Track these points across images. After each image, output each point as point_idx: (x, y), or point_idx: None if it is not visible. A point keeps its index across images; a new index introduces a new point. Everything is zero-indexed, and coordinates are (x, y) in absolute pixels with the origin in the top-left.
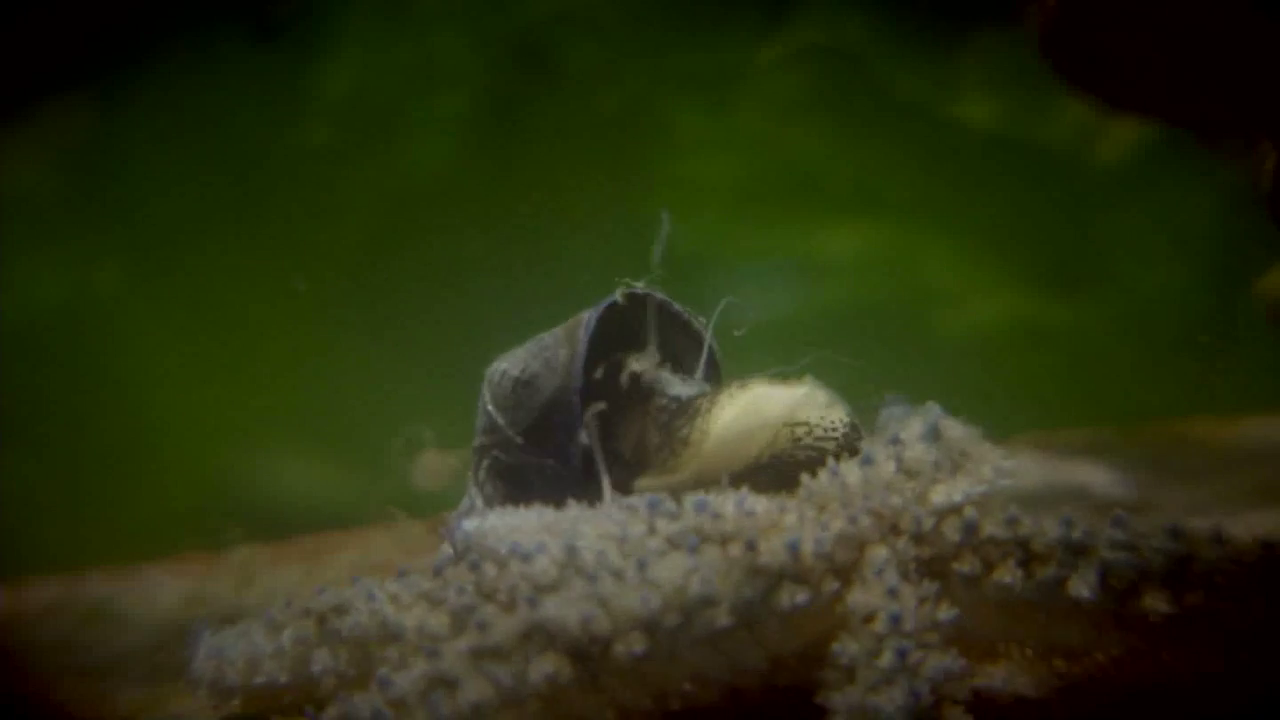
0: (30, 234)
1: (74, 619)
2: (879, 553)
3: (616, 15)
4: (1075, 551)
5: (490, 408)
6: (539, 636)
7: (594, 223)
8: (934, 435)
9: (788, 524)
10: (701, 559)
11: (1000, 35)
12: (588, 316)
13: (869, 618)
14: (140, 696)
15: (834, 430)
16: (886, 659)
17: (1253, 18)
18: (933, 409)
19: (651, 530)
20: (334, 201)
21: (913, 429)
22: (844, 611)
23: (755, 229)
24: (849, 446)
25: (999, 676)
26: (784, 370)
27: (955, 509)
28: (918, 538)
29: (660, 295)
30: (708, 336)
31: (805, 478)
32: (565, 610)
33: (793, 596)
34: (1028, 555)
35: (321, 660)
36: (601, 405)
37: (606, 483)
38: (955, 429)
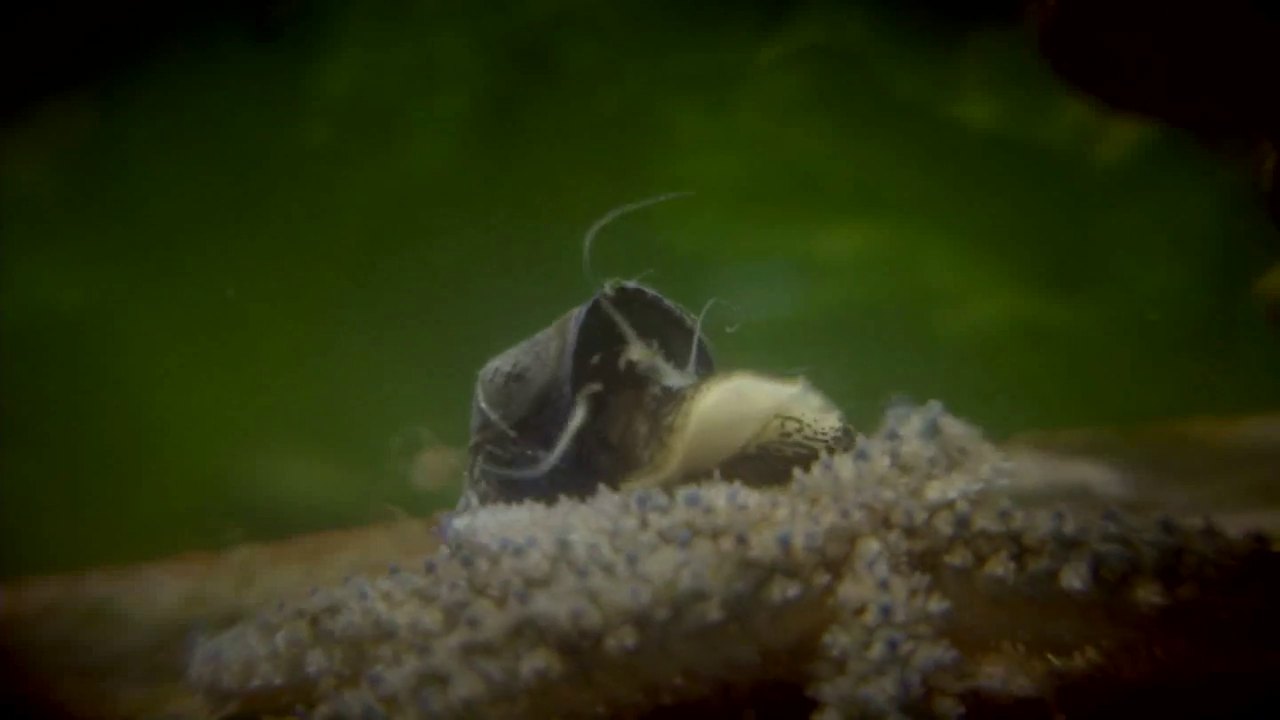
0: (30, 234)
1: (74, 619)
2: (870, 546)
3: (616, 15)
4: (1067, 545)
5: (483, 405)
6: (530, 632)
7: (594, 223)
8: (932, 432)
9: (779, 518)
10: (692, 553)
11: (1000, 35)
12: (578, 310)
13: (860, 610)
14: (140, 696)
15: (824, 435)
16: (877, 650)
17: (1253, 18)
18: (933, 407)
19: (643, 524)
20: (334, 201)
21: (911, 425)
22: (835, 605)
23: (755, 229)
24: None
25: (998, 677)
26: (787, 372)
27: (949, 505)
28: (910, 531)
29: (652, 291)
30: (697, 331)
31: (798, 472)
32: (556, 605)
33: (784, 590)
34: (1020, 548)
35: (316, 661)
36: (597, 386)
37: (572, 426)
38: (955, 427)
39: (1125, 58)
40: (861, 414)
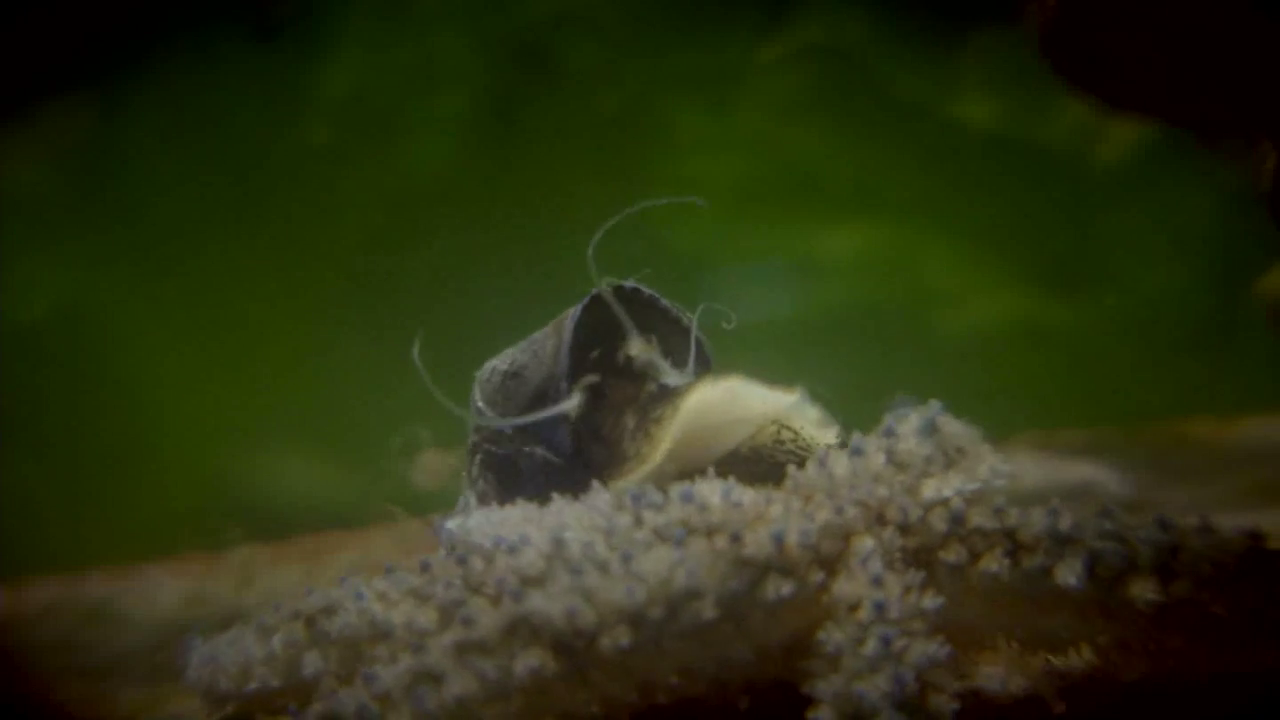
0: (30, 234)
1: (74, 619)
2: (865, 543)
3: (616, 15)
4: (1062, 541)
5: (480, 404)
6: (524, 630)
7: (594, 223)
8: (930, 431)
9: (774, 515)
10: (687, 551)
11: (1000, 35)
12: (575, 308)
13: (854, 606)
14: (140, 696)
15: (819, 448)
16: (871, 646)
17: (1253, 18)
18: (932, 406)
19: (638, 522)
20: (334, 201)
21: (908, 424)
22: (829, 602)
23: (755, 229)
24: None
25: (995, 676)
26: (786, 381)
27: (944, 502)
28: (904, 528)
29: (649, 290)
30: (693, 330)
31: (792, 469)
32: (550, 604)
33: (778, 589)
34: (1015, 545)
35: (312, 663)
36: (595, 378)
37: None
38: (953, 426)
39: (1125, 58)
40: (861, 414)
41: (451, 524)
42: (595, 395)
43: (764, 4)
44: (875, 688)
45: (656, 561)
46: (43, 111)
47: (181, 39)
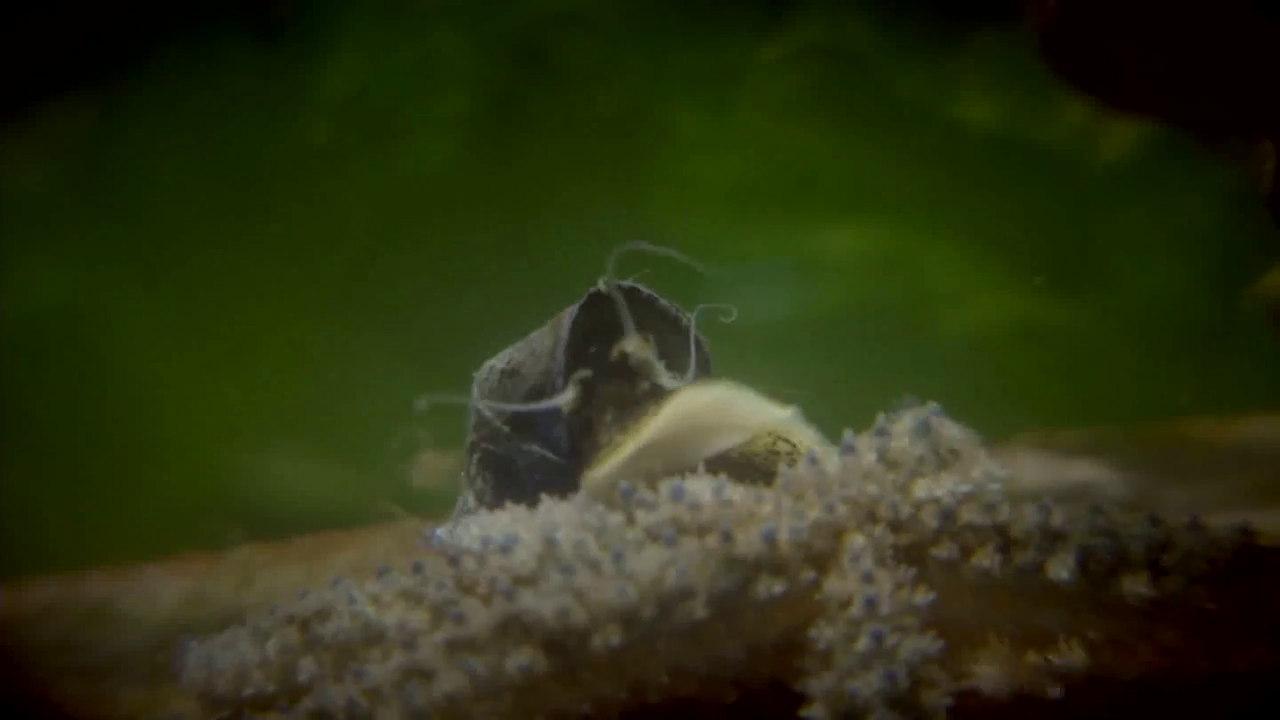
0: (30, 234)
1: (74, 619)
2: (856, 540)
3: (616, 15)
4: (1054, 537)
5: (479, 403)
6: (515, 628)
7: (594, 222)
8: (924, 431)
9: (765, 513)
10: (678, 550)
11: (1000, 35)
12: (572, 308)
13: (845, 603)
14: (140, 696)
15: None
16: (863, 643)
17: (1253, 18)
18: (929, 408)
19: (630, 521)
20: (334, 201)
21: (902, 424)
22: (821, 600)
23: (755, 229)
24: None
25: (991, 676)
26: (784, 391)
27: (935, 501)
28: (895, 525)
29: (647, 290)
30: (693, 332)
31: (783, 467)
32: (542, 602)
33: (769, 587)
34: (1006, 541)
35: (307, 669)
36: (587, 372)
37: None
38: (950, 429)
39: (1125, 58)
40: (861, 414)
41: (442, 531)
42: (588, 390)
43: (764, 4)
44: (868, 685)
45: (648, 561)
46: (43, 111)
47: (181, 39)
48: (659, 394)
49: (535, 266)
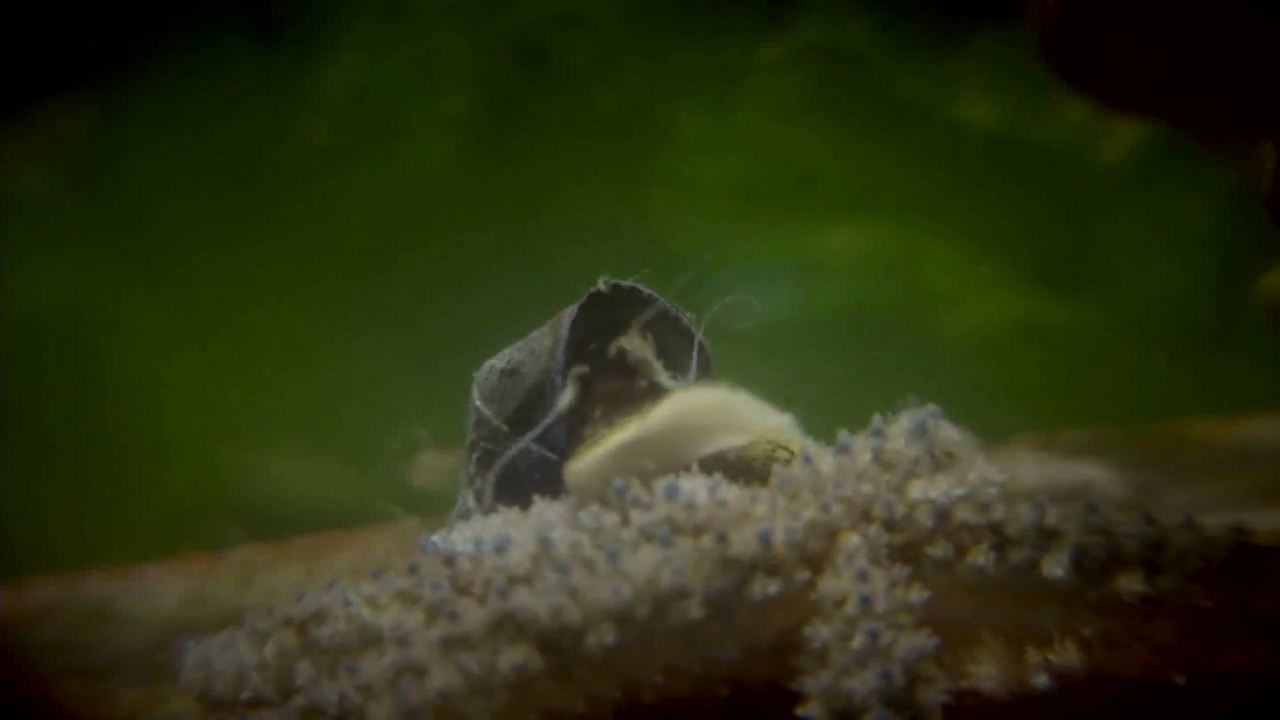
0: (30, 234)
1: (74, 619)
2: (850, 539)
3: (616, 15)
4: (1048, 535)
5: (478, 403)
6: (510, 626)
7: (594, 222)
8: (920, 433)
9: (759, 513)
10: (673, 550)
11: (1000, 35)
12: (572, 308)
13: (840, 602)
14: (140, 696)
15: None
16: (858, 641)
17: (1253, 18)
18: (927, 409)
19: (625, 521)
20: (334, 202)
21: (898, 425)
22: (816, 599)
23: (755, 229)
24: None
25: (989, 676)
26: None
27: (930, 501)
28: (890, 524)
29: (647, 290)
30: (698, 336)
31: (778, 467)
32: (536, 601)
33: (764, 588)
34: (1001, 540)
35: (304, 673)
36: (585, 368)
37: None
38: (948, 431)
39: (1125, 58)
40: (861, 414)
41: (437, 538)
42: (585, 387)
43: (764, 4)
44: (863, 683)
45: (643, 560)
46: (43, 111)
47: (181, 39)
48: (656, 392)
49: (535, 266)
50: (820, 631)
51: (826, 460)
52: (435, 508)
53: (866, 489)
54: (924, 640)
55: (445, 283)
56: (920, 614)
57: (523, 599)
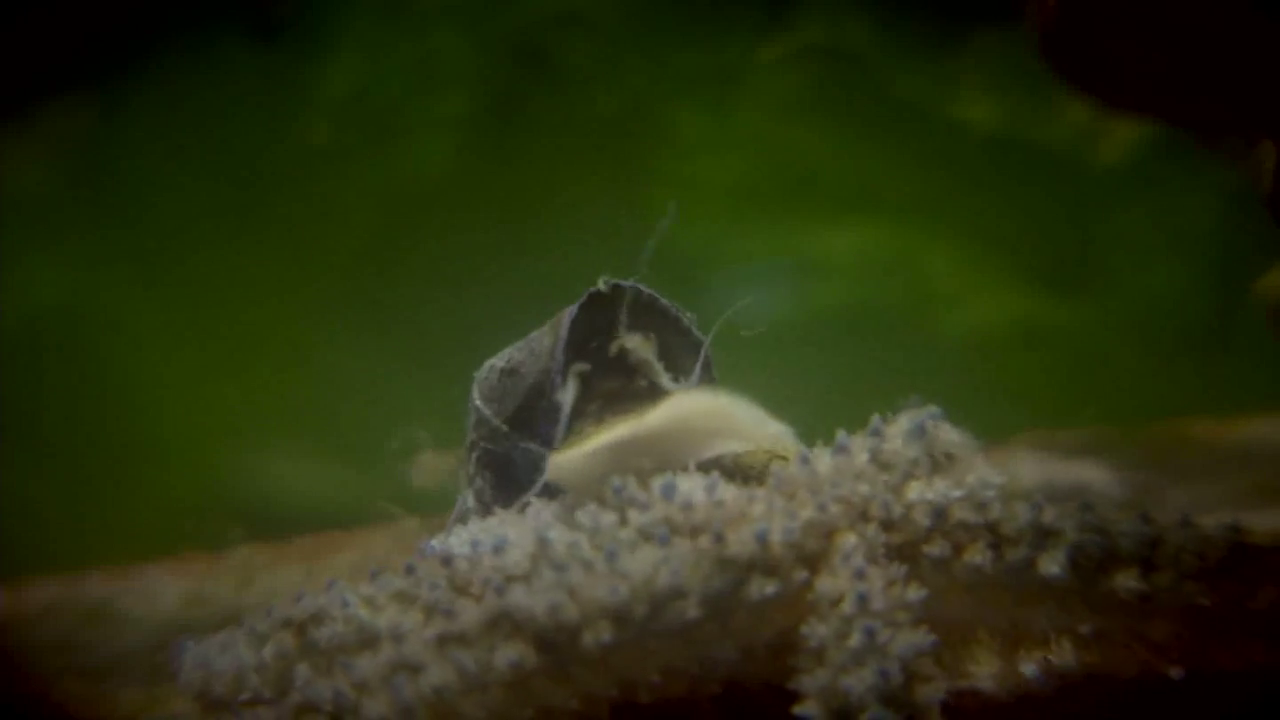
0: (30, 234)
1: (74, 619)
2: (848, 539)
3: (616, 15)
4: (1045, 534)
5: (478, 402)
6: (506, 624)
7: (594, 223)
8: (919, 434)
9: (756, 513)
10: (671, 550)
11: (1000, 35)
12: (572, 307)
13: (837, 601)
14: (140, 696)
15: None
16: (855, 639)
17: (1253, 18)
18: (927, 410)
19: (623, 520)
20: (334, 202)
21: (897, 425)
22: (813, 599)
23: (755, 229)
24: None
25: (987, 676)
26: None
27: (927, 503)
28: (887, 524)
29: (648, 290)
30: (706, 344)
31: (775, 466)
32: (533, 598)
33: (762, 588)
34: (998, 538)
35: (303, 675)
36: (586, 366)
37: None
38: (948, 433)
39: (1125, 58)
40: (860, 414)
41: (436, 542)
42: (585, 385)
43: (764, 4)
44: (861, 681)
45: (640, 560)
46: (43, 111)
47: (181, 39)
48: (656, 393)
49: (535, 266)
50: (817, 630)
51: (824, 460)
52: (435, 508)
53: (864, 489)
54: (921, 638)
55: (445, 283)
56: (917, 612)
57: (519, 596)
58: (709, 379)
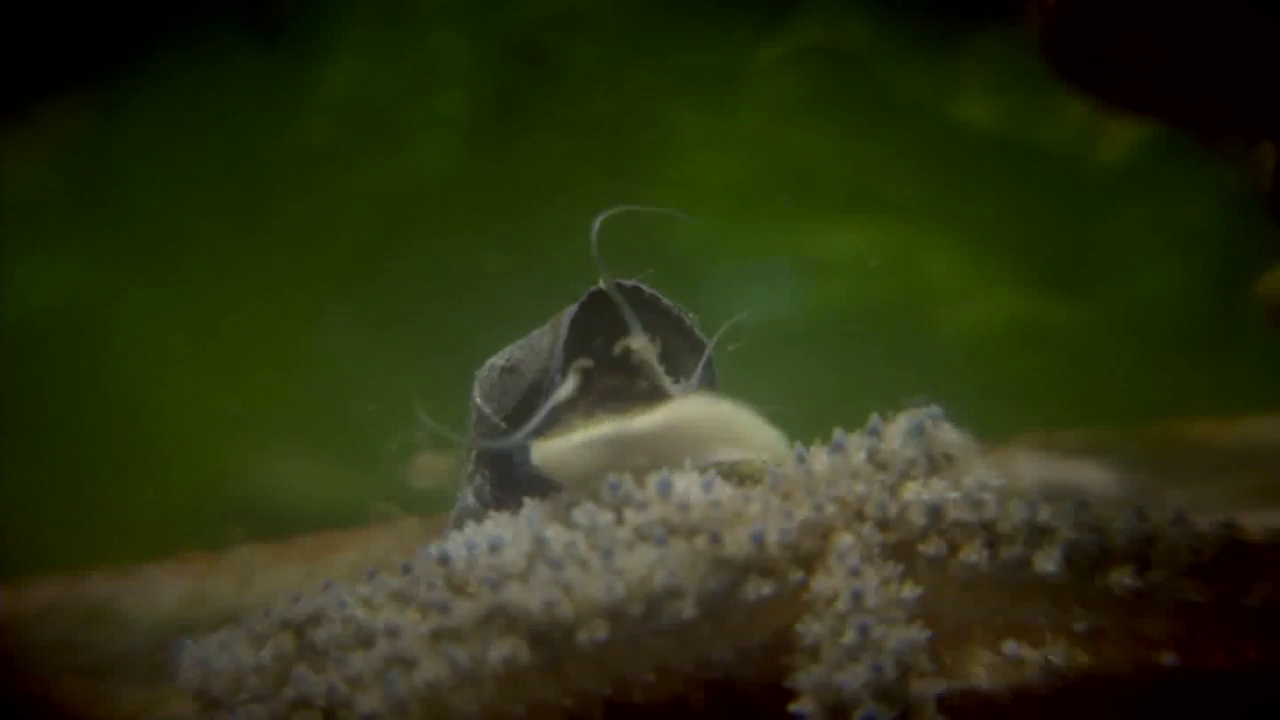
0: (30, 234)
1: (74, 619)
2: (844, 539)
3: (617, 15)
4: (1040, 532)
5: (478, 400)
6: (500, 619)
7: (596, 219)
8: (917, 434)
9: (753, 514)
10: (667, 551)
11: (1000, 35)
12: (573, 306)
13: (832, 599)
14: (140, 696)
15: None
16: (849, 636)
17: (1253, 18)
18: (928, 410)
19: (620, 520)
20: (334, 201)
21: (896, 425)
22: (809, 599)
23: (755, 229)
24: None
25: (984, 675)
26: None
27: (922, 503)
28: (883, 523)
29: (650, 290)
30: (709, 351)
31: (771, 465)
32: (528, 594)
33: (758, 589)
34: (993, 536)
35: (301, 675)
36: (589, 362)
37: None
38: (948, 433)
39: (1125, 58)
40: (860, 415)
41: (433, 549)
42: (586, 382)
43: (764, 4)
44: (855, 677)
45: (637, 559)
46: (43, 111)
47: (181, 39)
48: (657, 395)
49: (535, 266)
50: (812, 628)
51: (820, 459)
52: (434, 508)
53: (859, 488)
54: (916, 633)
55: (445, 283)
56: (913, 609)
57: (514, 592)
58: (710, 381)
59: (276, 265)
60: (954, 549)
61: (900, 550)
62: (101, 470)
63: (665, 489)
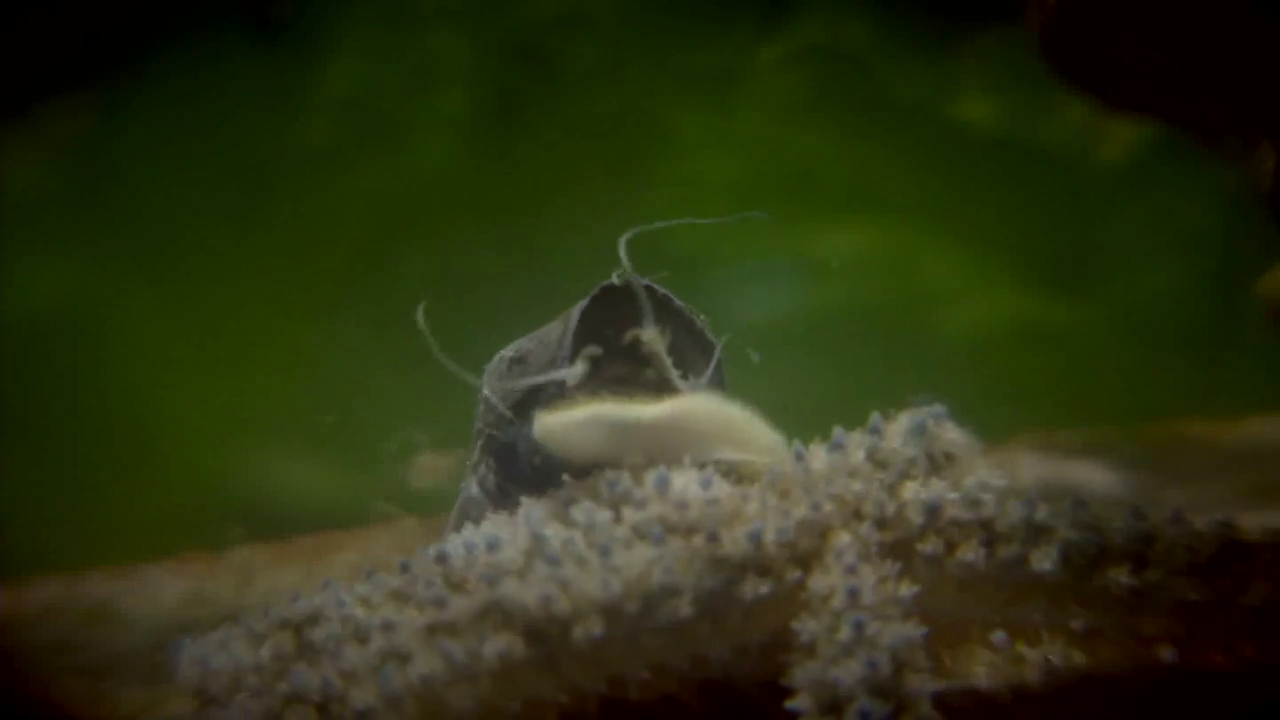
0: (30, 234)
1: (74, 619)
2: (842, 538)
3: (616, 15)
4: (1038, 530)
5: (486, 391)
6: (496, 614)
7: (594, 223)
8: (918, 433)
9: (750, 512)
10: (665, 549)
11: (1000, 35)
12: (584, 300)
13: (829, 597)
14: (140, 696)
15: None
16: (845, 632)
17: (1253, 18)
18: (930, 410)
19: (618, 518)
20: (334, 202)
21: (896, 424)
22: (806, 598)
23: (755, 229)
24: None
25: (979, 670)
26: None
27: (920, 502)
28: (880, 522)
29: (662, 289)
30: (718, 352)
31: (770, 464)
32: (524, 590)
33: (755, 588)
34: (991, 535)
35: (300, 675)
36: (598, 350)
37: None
38: (949, 432)
39: (1125, 58)
40: (858, 415)
41: (432, 550)
42: (594, 369)
43: (764, 4)
44: (849, 672)
45: (635, 557)
46: (43, 111)
47: (181, 39)
48: (663, 387)
49: (536, 266)
50: (808, 625)
51: (819, 457)
52: (434, 508)
53: (858, 487)
54: (911, 630)
55: (446, 282)
56: (909, 607)
57: (511, 588)
58: (719, 382)
59: (276, 265)
60: (951, 548)
61: (898, 549)
62: (101, 470)
63: (663, 486)
